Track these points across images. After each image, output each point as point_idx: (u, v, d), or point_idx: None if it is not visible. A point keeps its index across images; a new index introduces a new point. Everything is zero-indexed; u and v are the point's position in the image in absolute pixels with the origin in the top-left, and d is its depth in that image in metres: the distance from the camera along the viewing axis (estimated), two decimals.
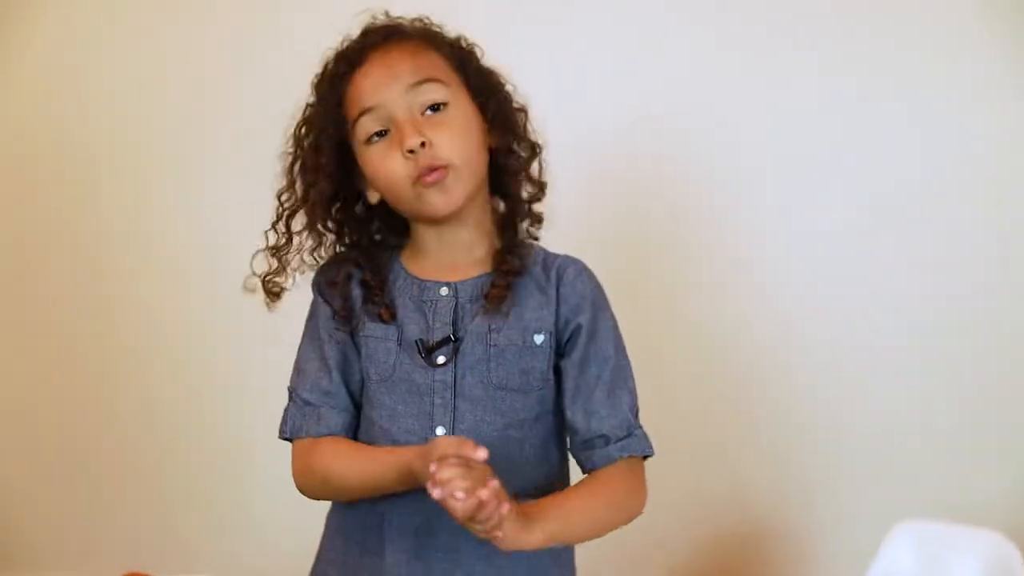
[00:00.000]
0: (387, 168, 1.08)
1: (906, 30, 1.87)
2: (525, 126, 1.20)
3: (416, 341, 1.11)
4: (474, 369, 1.11)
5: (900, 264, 1.93)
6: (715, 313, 2.01)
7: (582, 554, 1.25)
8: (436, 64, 1.11)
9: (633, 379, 1.18)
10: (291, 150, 1.17)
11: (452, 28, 1.19)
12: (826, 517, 1.91)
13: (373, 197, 1.15)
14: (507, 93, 1.19)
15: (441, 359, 1.11)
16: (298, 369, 1.18)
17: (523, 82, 1.23)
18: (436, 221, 1.13)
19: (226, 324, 2.17)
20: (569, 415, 1.14)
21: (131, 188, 2.22)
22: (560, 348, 1.15)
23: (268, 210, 2.17)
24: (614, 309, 1.21)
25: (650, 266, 2.01)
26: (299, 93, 2.21)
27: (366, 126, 1.09)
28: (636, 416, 1.16)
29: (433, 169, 1.07)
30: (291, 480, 2.10)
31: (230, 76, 2.15)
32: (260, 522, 2.26)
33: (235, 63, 2.15)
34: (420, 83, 1.08)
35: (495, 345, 1.12)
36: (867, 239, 1.93)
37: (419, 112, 1.08)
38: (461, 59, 1.14)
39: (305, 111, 1.17)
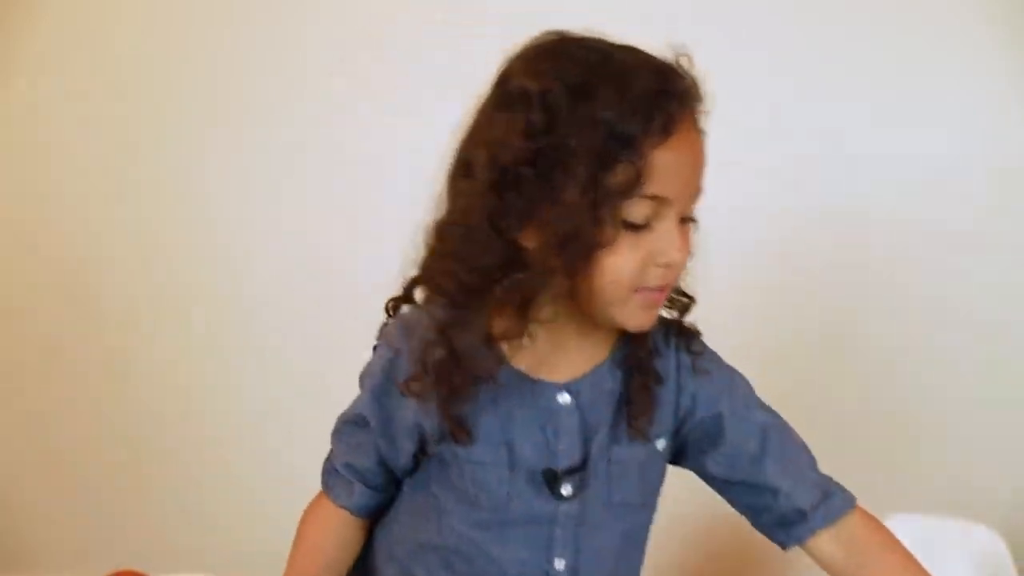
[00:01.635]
0: (627, 264, 0.82)
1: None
2: None
3: (543, 472, 0.90)
4: (598, 492, 0.92)
5: (883, 260, 1.93)
6: (721, 307, 2.01)
7: None
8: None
9: (793, 431, 1.02)
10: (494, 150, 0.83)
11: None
12: None
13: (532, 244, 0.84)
14: None
15: (567, 489, 0.91)
16: (339, 426, 0.99)
17: None
18: (593, 321, 0.89)
19: (217, 325, 2.19)
20: (744, 510, 1.00)
21: (125, 189, 2.22)
22: (681, 444, 0.98)
23: (268, 211, 2.23)
24: None
25: None
26: (302, 92, 2.13)
27: (641, 210, 0.82)
28: (817, 469, 1.01)
29: (663, 289, 0.87)
30: (287, 477, 2.13)
31: (236, 76, 2.16)
32: (254, 520, 2.28)
33: (243, 62, 2.16)
34: (699, 193, 0.87)
35: (618, 462, 0.93)
36: (852, 232, 1.93)
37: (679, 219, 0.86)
38: None
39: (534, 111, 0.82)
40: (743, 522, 1.03)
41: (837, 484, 1.00)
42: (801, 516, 0.96)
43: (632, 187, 0.80)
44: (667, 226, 0.84)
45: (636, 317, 0.86)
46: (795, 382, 1.90)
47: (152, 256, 2.22)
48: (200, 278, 2.19)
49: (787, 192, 1.98)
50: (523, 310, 0.85)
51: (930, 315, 1.96)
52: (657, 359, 0.93)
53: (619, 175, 0.80)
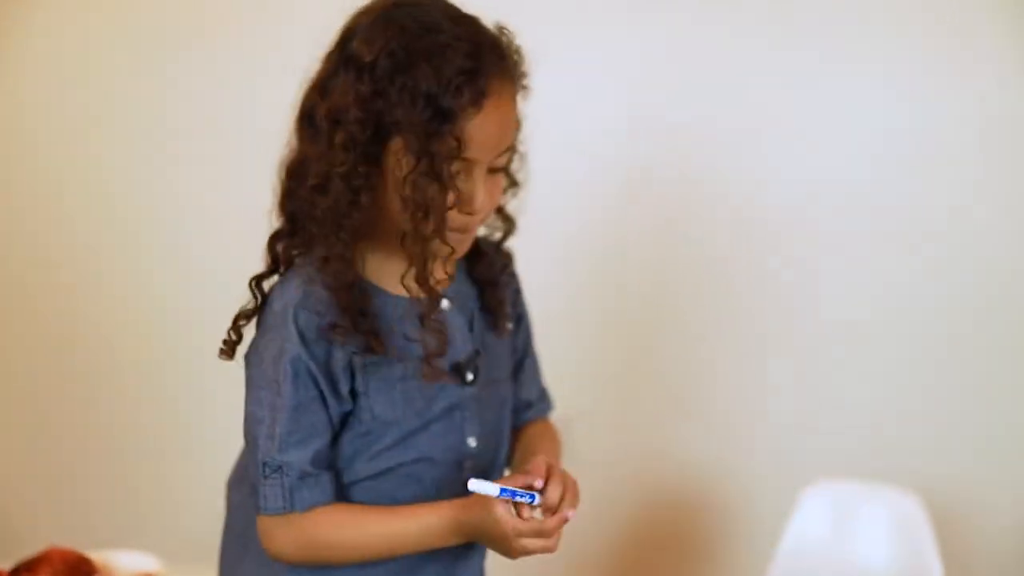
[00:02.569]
0: (438, 202, 0.96)
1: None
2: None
3: (451, 366, 1.07)
4: (485, 374, 1.11)
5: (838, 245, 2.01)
6: (649, 293, 2.07)
7: None
8: (517, 123, 1.04)
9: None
10: (330, 119, 0.97)
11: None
12: (747, 478, 2.00)
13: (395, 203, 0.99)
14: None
15: (470, 375, 1.09)
16: (281, 434, 1.00)
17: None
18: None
19: (169, 304, 2.21)
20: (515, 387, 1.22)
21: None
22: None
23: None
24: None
25: (602, 250, 2.05)
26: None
27: (452, 165, 0.96)
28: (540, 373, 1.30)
29: (469, 228, 1.02)
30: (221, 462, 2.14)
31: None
32: (193, 501, 2.31)
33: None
34: (506, 150, 1.02)
35: (491, 346, 1.13)
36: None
37: (488, 170, 1.01)
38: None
39: (367, 82, 0.95)
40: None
41: (545, 391, 1.28)
42: (526, 406, 1.23)
43: (452, 155, 0.95)
44: (473, 181, 0.99)
45: (449, 246, 1.00)
46: (735, 352, 1.97)
47: (111, 236, 2.22)
48: (166, 257, 2.19)
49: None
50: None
51: (842, 287, 2.01)
52: (493, 269, 1.16)
53: (445, 144, 0.94)
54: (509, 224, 1.16)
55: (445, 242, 0.98)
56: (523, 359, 1.22)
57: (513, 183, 1.12)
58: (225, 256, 2.14)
